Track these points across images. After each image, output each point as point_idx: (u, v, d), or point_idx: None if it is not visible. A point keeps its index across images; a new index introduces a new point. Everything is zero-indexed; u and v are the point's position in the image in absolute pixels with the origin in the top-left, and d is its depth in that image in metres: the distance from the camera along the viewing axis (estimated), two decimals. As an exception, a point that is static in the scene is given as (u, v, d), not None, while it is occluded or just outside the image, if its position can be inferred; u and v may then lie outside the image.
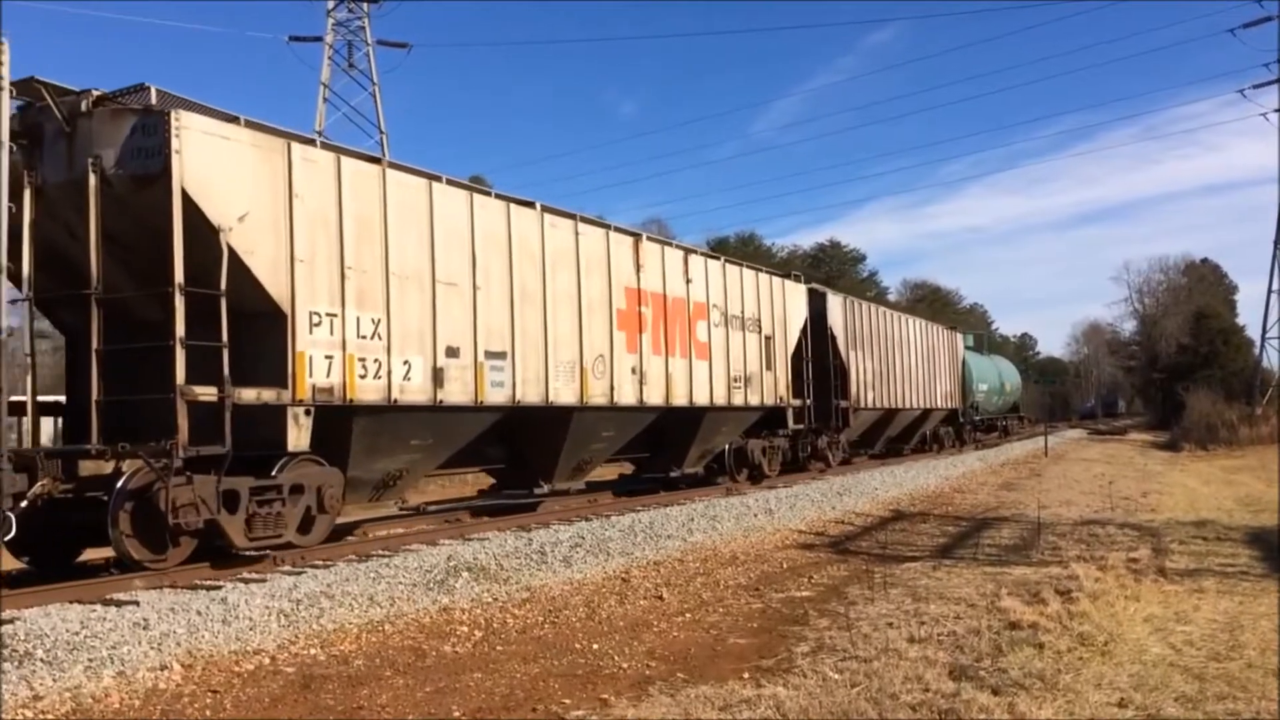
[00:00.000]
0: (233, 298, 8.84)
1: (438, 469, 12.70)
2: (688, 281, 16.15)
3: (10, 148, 8.66)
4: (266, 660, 7.07)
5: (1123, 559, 10.62)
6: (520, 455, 13.87)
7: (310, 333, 9.56)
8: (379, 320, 10.33)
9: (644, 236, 15.45)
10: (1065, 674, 6.31)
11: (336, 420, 9.97)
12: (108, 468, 9.08)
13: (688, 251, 16.60)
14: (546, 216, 13.05)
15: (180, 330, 8.52)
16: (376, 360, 10.28)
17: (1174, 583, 9.61)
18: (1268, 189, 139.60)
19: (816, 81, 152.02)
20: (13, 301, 9.38)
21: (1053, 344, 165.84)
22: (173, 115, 8.60)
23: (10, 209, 8.70)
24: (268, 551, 9.49)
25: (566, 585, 9.94)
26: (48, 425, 10.38)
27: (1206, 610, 8.44)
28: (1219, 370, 54.72)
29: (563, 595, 9.51)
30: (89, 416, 8.84)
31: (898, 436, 28.84)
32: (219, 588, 8.34)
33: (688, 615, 8.73)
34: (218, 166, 8.91)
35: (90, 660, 6.47)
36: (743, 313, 17.83)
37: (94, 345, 8.81)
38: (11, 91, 8.63)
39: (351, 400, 9.97)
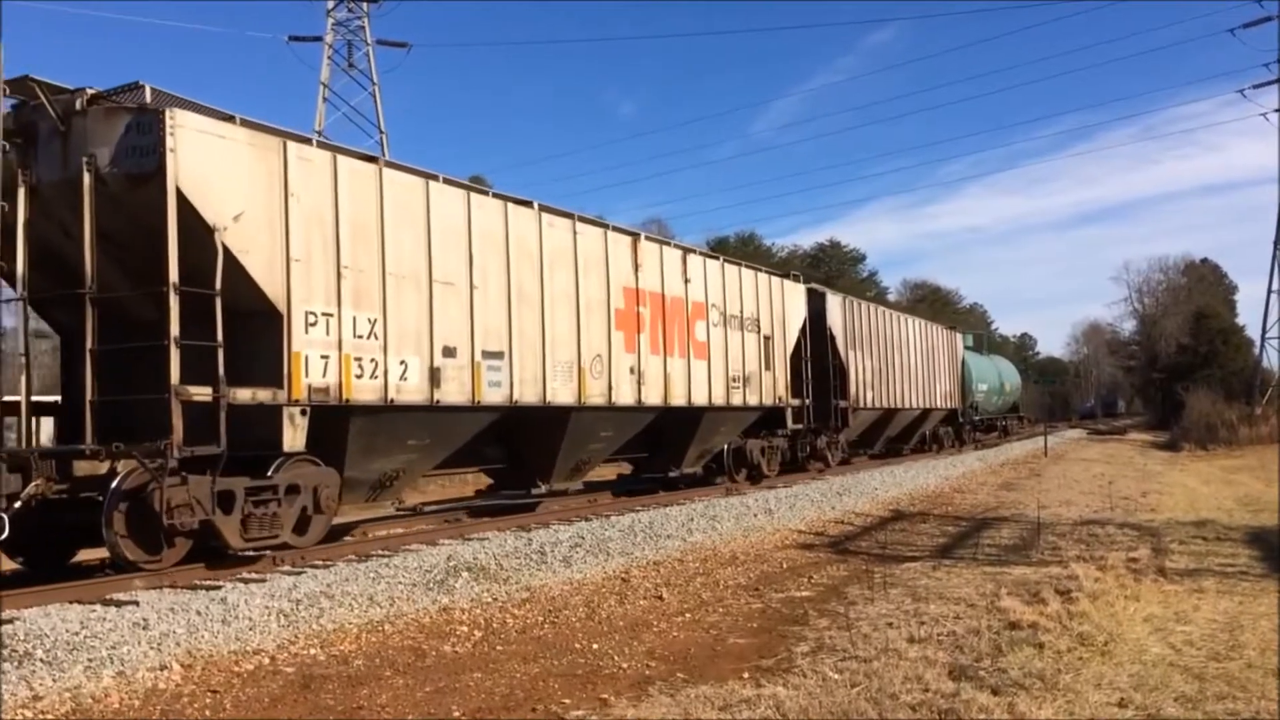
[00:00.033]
0: (228, 297, 8.80)
1: (435, 469, 12.66)
2: (686, 281, 16.11)
3: (4, 147, 8.67)
4: (266, 660, 7.05)
5: (1122, 559, 10.59)
6: (518, 455, 13.83)
7: (306, 332, 9.52)
8: (375, 320, 10.29)
9: (642, 236, 15.42)
10: (1065, 674, 6.29)
11: (333, 420, 9.93)
12: (102, 468, 9.04)
13: (686, 251, 16.56)
14: (544, 216, 13.01)
15: (175, 330, 8.48)
16: (373, 360, 10.24)
17: (1174, 583, 9.58)
18: (1267, 189, 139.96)
19: (816, 81, 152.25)
20: (7, 301, 9.39)
21: (1052, 344, 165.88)
22: (167, 114, 8.56)
23: (3, 208, 8.71)
24: (264, 552, 9.45)
25: (566, 585, 9.91)
26: (46, 425, 10.34)
27: (1206, 610, 8.42)
28: (1219, 370, 54.73)
29: (562, 595, 9.48)
30: (84, 416, 8.80)
31: (897, 436, 28.81)
32: (219, 588, 8.32)
33: (687, 615, 8.70)
34: (213, 165, 8.86)
35: (90, 660, 6.45)
36: (741, 312, 17.79)
37: (89, 345, 8.76)
38: (5, 90, 8.62)
39: (348, 400, 9.93)
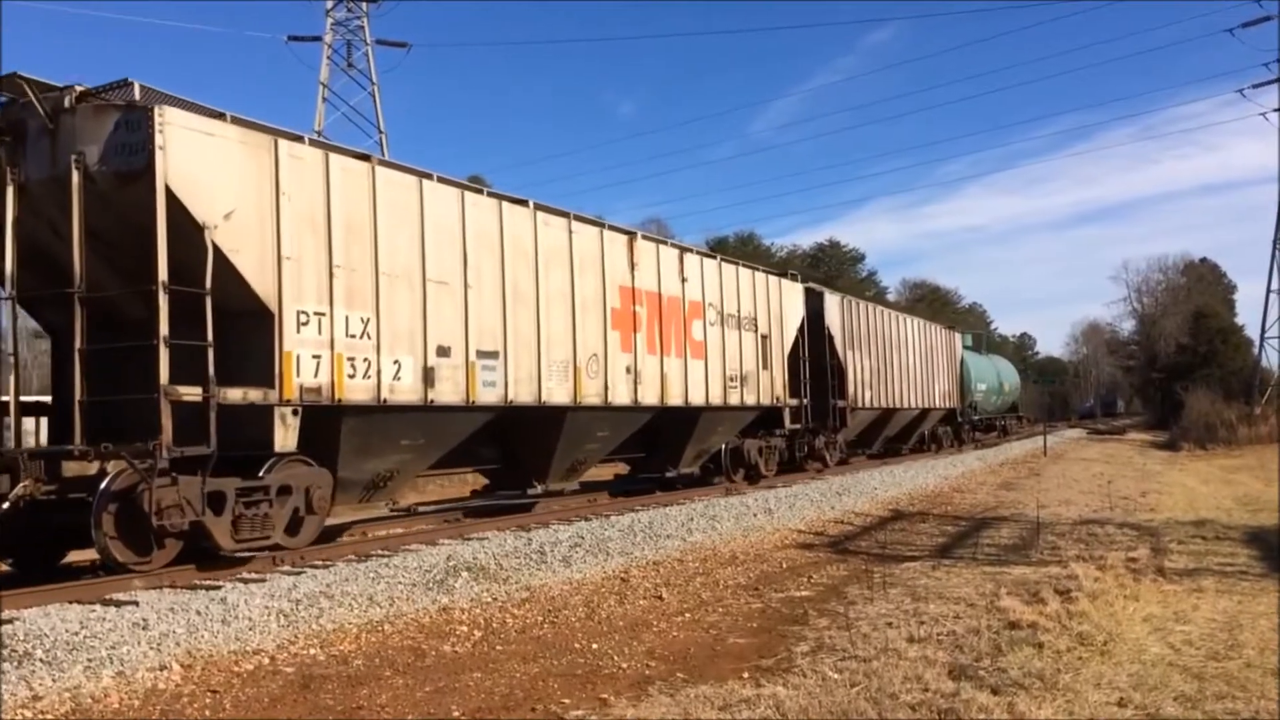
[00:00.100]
0: (218, 296, 8.72)
1: (429, 470, 12.58)
2: (683, 280, 16.04)
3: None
4: (266, 660, 7.02)
5: (1122, 559, 10.54)
6: (513, 455, 13.75)
7: (298, 332, 9.44)
8: (368, 319, 10.21)
9: (639, 235, 15.35)
10: (1064, 673, 6.24)
11: (325, 420, 9.85)
12: (91, 469, 8.96)
13: (683, 250, 16.50)
14: (539, 215, 12.94)
15: (164, 329, 8.40)
16: (366, 360, 10.16)
17: (1173, 582, 9.54)
18: (1266, 189, 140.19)
19: (815, 81, 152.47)
20: (-4, 301, 9.29)
21: (1052, 344, 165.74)
22: (157, 111, 8.48)
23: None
24: (260, 553, 9.37)
25: (566, 585, 9.85)
26: (45, 426, 10.26)
27: (1205, 610, 8.37)
28: (1218, 370, 54.76)
29: (562, 595, 9.43)
30: (73, 417, 8.72)
31: (896, 436, 28.75)
32: (218, 588, 8.27)
33: (687, 615, 8.65)
34: (203, 163, 8.79)
35: (90, 660, 6.42)
36: (739, 312, 17.72)
37: (77, 345, 8.69)
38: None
39: (340, 400, 9.85)
